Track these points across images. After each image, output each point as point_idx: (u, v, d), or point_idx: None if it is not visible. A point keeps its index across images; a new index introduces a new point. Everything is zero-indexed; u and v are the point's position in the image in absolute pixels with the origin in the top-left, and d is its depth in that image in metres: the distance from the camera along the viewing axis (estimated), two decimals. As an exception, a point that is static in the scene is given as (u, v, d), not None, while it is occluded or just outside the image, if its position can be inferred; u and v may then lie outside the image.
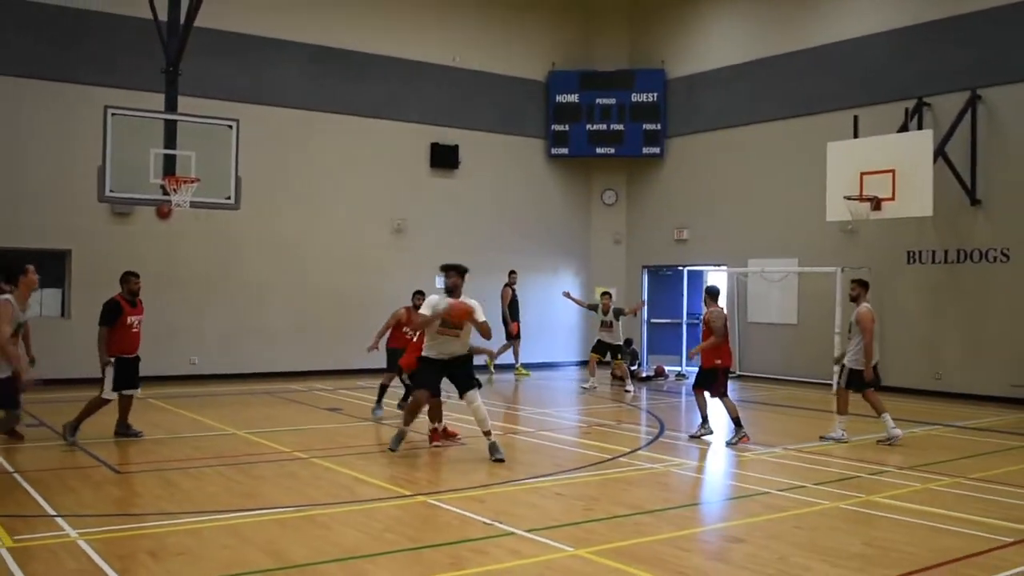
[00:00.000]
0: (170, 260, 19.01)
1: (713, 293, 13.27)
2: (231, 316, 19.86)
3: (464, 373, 11.27)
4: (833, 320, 18.48)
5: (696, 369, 13.32)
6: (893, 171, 16.71)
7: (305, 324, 20.60)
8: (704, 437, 12.81)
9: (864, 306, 12.88)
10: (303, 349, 20.55)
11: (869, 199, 16.95)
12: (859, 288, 13.11)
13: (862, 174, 17.08)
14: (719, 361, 12.76)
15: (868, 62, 19.57)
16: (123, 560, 6.77)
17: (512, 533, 7.62)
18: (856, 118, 18.48)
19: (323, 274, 20.86)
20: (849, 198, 17.10)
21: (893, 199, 16.77)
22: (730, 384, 20.02)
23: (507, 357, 21.72)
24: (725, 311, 13.27)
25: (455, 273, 11.57)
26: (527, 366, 21.90)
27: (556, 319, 23.80)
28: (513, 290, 21.85)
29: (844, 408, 12.88)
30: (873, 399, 12.72)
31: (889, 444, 12.39)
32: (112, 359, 11.71)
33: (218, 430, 13.06)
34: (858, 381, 12.75)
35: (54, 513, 8.14)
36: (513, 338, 21.68)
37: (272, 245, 20.33)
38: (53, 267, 18.63)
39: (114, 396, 11.80)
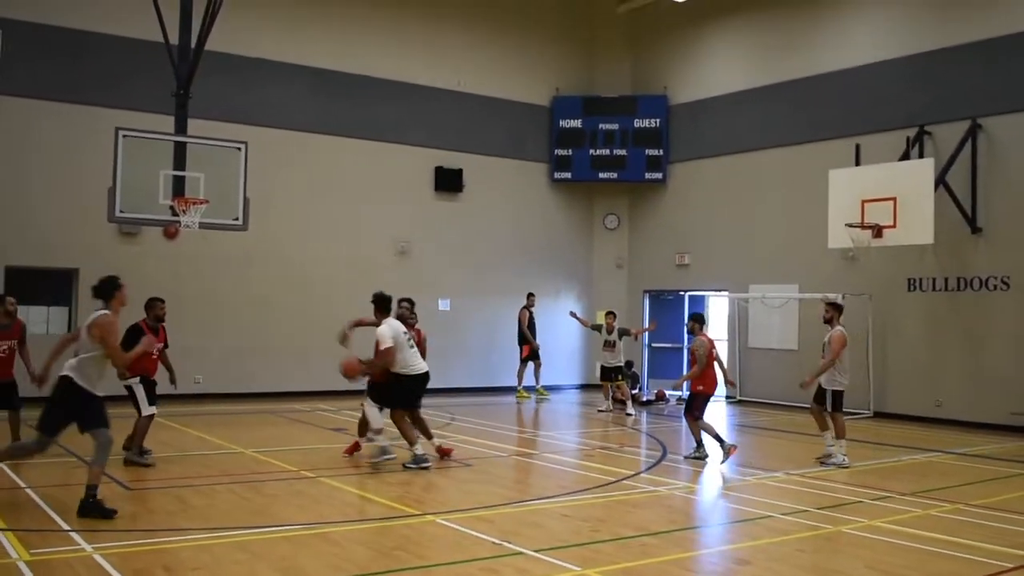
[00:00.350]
0: (176, 279, 19.10)
1: (699, 319, 13.60)
2: (235, 336, 20.00)
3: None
4: (834, 346, 18.58)
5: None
6: (894, 199, 16.91)
7: (309, 345, 20.68)
8: (701, 459, 12.99)
9: (838, 329, 13.12)
10: (307, 369, 20.63)
11: (870, 226, 17.14)
12: (832, 311, 13.44)
13: (863, 201, 17.27)
14: (701, 387, 13.09)
15: (870, 90, 19.78)
16: (139, 574, 6.90)
17: (520, 553, 7.74)
18: (858, 146, 18.70)
19: (327, 295, 20.96)
20: (851, 225, 17.29)
21: (894, 227, 16.96)
22: (730, 409, 20.39)
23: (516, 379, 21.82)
24: (708, 338, 13.42)
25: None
26: (528, 389, 21.98)
27: (559, 342, 23.89)
28: (531, 312, 22.00)
29: (841, 432, 13.02)
30: (816, 416, 13.30)
31: (829, 464, 12.87)
32: (137, 377, 11.78)
33: (226, 448, 13.20)
34: (840, 400, 13.05)
35: (68, 528, 8.26)
36: (524, 360, 21.77)
37: (277, 266, 20.49)
38: (61, 285, 18.84)
39: (153, 410, 11.88)
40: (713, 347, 13.30)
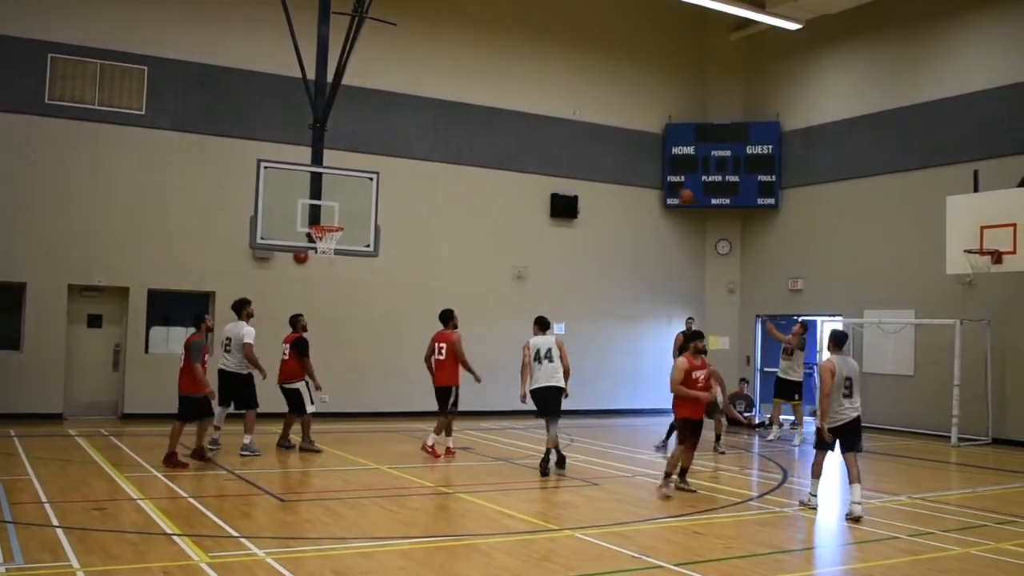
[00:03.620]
0: (303, 302, 19.86)
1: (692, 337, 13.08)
2: (359, 356, 20.75)
3: None
4: (952, 372, 18.60)
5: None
6: (1015, 225, 16.87)
7: (429, 366, 21.32)
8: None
9: (826, 358, 11.50)
10: (427, 391, 21.20)
11: (990, 253, 17.12)
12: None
13: (982, 228, 17.26)
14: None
15: (987, 116, 19.74)
16: (312, 577, 7.50)
17: (661, 566, 8.16)
18: (976, 172, 18.64)
19: (447, 318, 21.61)
20: (969, 251, 17.31)
21: (1015, 253, 16.90)
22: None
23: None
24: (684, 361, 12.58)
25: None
26: (638, 412, 22.29)
27: (668, 365, 24.10)
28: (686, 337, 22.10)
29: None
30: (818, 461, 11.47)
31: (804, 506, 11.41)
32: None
33: (361, 465, 13.86)
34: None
35: (237, 534, 8.92)
36: None
37: (398, 290, 21.22)
38: (198, 308, 19.79)
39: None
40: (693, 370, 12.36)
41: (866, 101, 22.49)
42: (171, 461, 12.89)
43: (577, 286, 23.46)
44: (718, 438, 16.83)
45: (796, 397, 18.55)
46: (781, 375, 18.65)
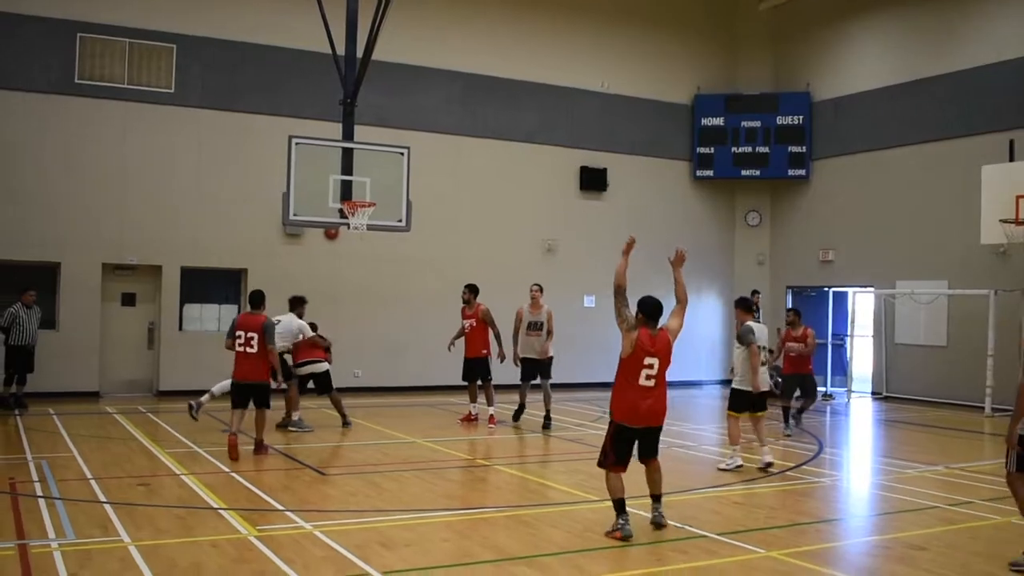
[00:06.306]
0: (335, 278, 20.10)
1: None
2: (391, 332, 20.81)
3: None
4: (986, 342, 18.50)
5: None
6: (1051, 194, 16.73)
7: (461, 340, 21.37)
8: None
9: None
10: (459, 364, 21.30)
11: (1025, 222, 17.00)
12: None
13: (1018, 197, 17.09)
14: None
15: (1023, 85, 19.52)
16: (360, 549, 7.57)
17: (704, 536, 8.21)
18: (1012, 141, 18.49)
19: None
20: (1004, 221, 17.16)
21: (1051, 222, 16.78)
22: (876, 405, 20.39)
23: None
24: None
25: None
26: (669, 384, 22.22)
27: (699, 336, 24.08)
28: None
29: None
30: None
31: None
32: None
33: (398, 438, 13.93)
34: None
35: (282, 508, 9.02)
36: None
37: (429, 264, 21.24)
38: (230, 285, 19.94)
39: None
40: None
41: (898, 70, 22.24)
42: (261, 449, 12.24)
43: (606, 259, 23.24)
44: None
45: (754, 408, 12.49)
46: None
